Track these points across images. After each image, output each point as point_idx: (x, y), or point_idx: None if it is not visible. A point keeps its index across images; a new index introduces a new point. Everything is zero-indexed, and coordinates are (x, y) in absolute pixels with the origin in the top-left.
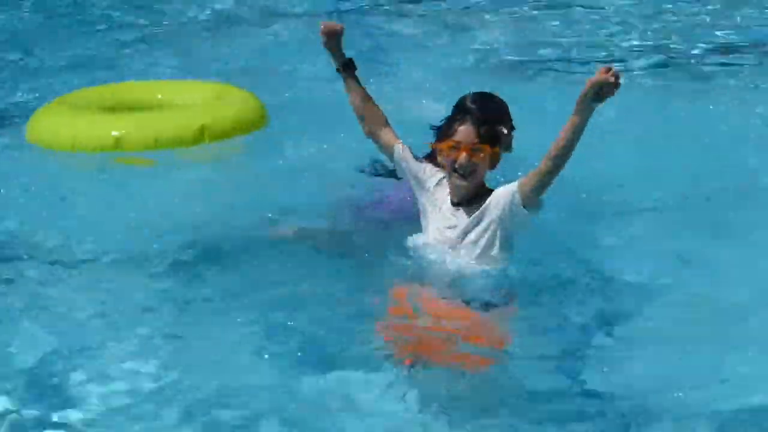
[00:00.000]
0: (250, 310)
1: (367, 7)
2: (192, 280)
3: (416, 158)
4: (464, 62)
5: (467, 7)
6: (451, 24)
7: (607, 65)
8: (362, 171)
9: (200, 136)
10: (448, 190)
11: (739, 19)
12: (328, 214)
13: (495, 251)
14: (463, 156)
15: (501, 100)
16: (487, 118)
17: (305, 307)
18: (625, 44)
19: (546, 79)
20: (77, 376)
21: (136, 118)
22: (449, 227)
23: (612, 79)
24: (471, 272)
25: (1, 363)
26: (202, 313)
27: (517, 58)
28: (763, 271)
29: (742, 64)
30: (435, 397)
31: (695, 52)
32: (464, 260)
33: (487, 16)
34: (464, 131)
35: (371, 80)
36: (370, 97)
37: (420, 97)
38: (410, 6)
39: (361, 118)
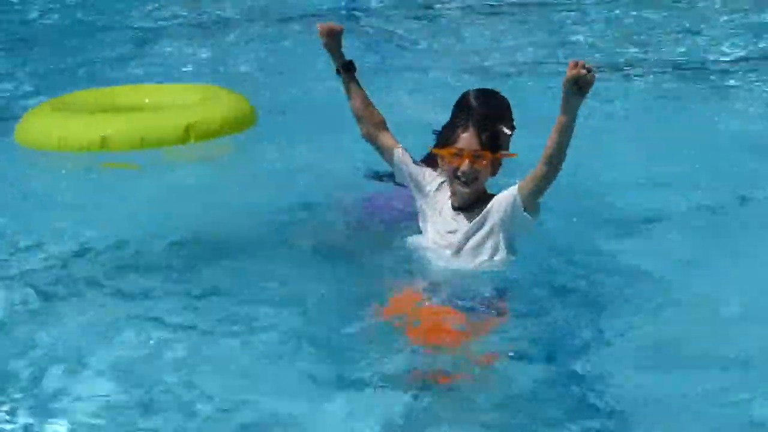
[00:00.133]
0: (245, 311)
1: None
2: (185, 280)
3: (415, 162)
4: (465, 64)
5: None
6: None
7: (574, 59)
8: (365, 175)
9: (186, 135)
10: (448, 194)
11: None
12: (323, 214)
13: (498, 255)
14: (465, 163)
15: (503, 98)
16: (489, 115)
17: (300, 309)
18: (628, 48)
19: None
20: (63, 379)
21: (122, 118)
22: (450, 231)
23: (584, 71)
24: (469, 276)
25: None
26: (197, 314)
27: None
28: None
29: (755, 70)
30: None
31: (703, 56)
32: (464, 264)
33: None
34: (466, 138)
35: (374, 80)
36: (370, 100)
37: (421, 98)
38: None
39: (360, 121)
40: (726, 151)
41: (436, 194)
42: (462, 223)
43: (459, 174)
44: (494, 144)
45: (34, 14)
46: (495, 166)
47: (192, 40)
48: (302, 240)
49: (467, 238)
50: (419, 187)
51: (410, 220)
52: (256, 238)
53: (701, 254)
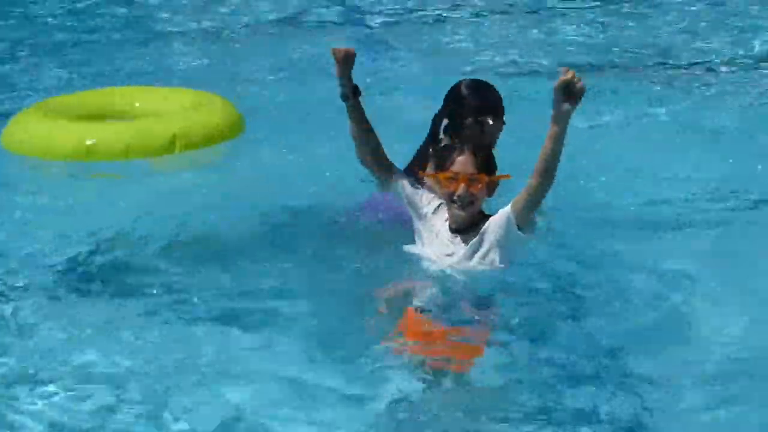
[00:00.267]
0: (243, 313)
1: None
2: (181, 283)
3: (412, 185)
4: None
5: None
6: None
7: (565, 67)
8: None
9: (171, 146)
10: (445, 216)
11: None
12: (319, 217)
13: (497, 266)
14: (461, 187)
15: (495, 90)
16: (481, 107)
17: (297, 312)
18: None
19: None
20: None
21: (107, 128)
22: (447, 254)
23: (574, 78)
24: (466, 281)
25: None
26: (196, 316)
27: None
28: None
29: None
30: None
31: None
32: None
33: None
34: (462, 162)
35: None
36: (370, 125)
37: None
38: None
39: (359, 145)
40: (729, 151)
41: (433, 217)
42: (459, 246)
43: (455, 198)
44: (489, 166)
45: (21, 16)
46: (491, 188)
47: (182, 46)
48: (300, 243)
49: (465, 260)
50: (416, 210)
51: (409, 219)
52: (252, 242)
53: (708, 256)
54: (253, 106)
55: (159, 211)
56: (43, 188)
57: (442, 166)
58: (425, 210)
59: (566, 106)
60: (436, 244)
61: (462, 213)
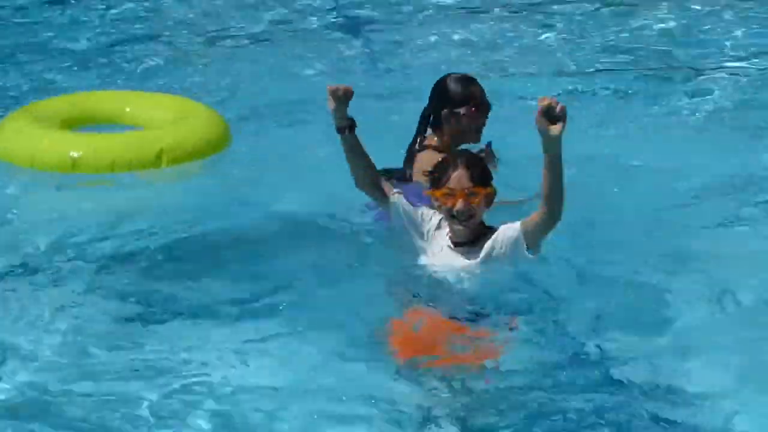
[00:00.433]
0: (248, 319)
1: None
2: (170, 298)
3: (411, 203)
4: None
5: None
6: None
7: (540, 96)
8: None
9: (158, 160)
10: (446, 231)
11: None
12: (312, 228)
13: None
14: (459, 202)
15: (478, 83)
16: (466, 98)
17: (302, 318)
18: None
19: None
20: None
21: (93, 141)
22: (449, 270)
23: (553, 103)
24: (468, 283)
25: None
26: (199, 320)
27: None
28: None
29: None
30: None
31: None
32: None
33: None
34: (457, 177)
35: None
36: (366, 153)
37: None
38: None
39: (356, 174)
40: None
41: (435, 233)
42: (462, 259)
43: (455, 213)
44: (485, 178)
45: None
46: (489, 200)
47: (171, 55)
48: (298, 252)
49: (471, 270)
50: (417, 229)
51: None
52: (256, 249)
53: (716, 258)
54: (239, 115)
55: (153, 218)
56: (28, 196)
57: (438, 182)
58: (427, 227)
59: (553, 132)
60: (439, 258)
61: (462, 228)
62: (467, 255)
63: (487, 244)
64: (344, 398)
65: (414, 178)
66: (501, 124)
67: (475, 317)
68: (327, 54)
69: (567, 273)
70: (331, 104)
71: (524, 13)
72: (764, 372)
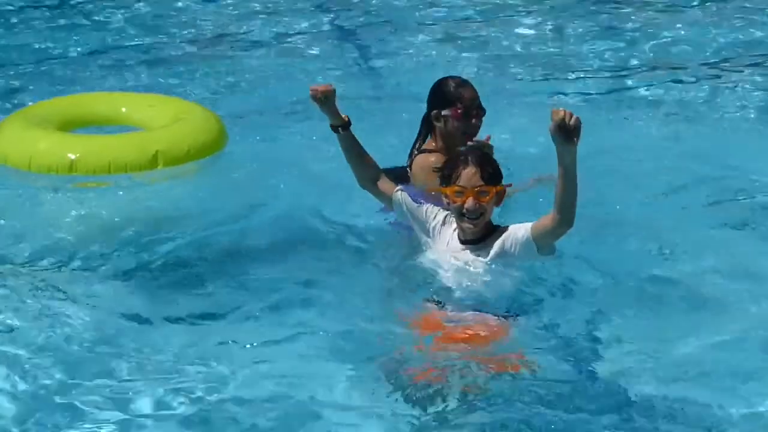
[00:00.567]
0: (257, 318)
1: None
2: (194, 291)
3: (415, 201)
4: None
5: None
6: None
7: (554, 108)
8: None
9: (154, 162)
10: (452, 227)
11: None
12: (314, 227)
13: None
14: (469, 201)
15: (472, 86)
16: (475, 97)
17: (315, 321)
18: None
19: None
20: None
21: (90, 143)
22: (460, 265)
23: (566, 116)
24: (477, 282)
25: None
26: (202, 321)
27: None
28: None
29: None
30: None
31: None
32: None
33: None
34: (467, 175)
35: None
36: (364, 151)
37: None
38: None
39: (357, 172)
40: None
41: (441, 229)
42: (470, 256)
43: (464, 211)
44: (495, 176)
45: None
46: (499, 198)
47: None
48: (307, 248)
49: (480, 269)
50: (422, 227)
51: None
52: (264, 249)
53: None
54: (236, 115)
55: (150, 220)
56: (25, 198)
57: (448, 180)
58: (432, 224)
59: (567, 145)
60: (446, 255)
61: (472, 227)
62: (475, 252)
63: (497, 243)
64: (353, 397)
65: (411, 181)
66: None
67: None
68: (326, 55)
69: (576, 272)
70: (319, 108)
71: None
72: None
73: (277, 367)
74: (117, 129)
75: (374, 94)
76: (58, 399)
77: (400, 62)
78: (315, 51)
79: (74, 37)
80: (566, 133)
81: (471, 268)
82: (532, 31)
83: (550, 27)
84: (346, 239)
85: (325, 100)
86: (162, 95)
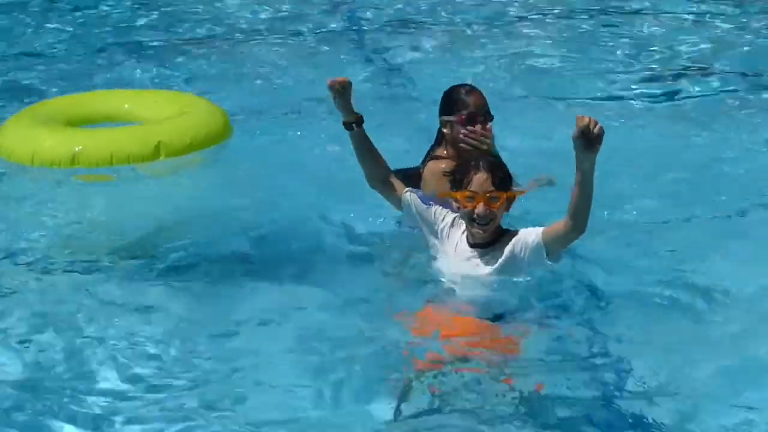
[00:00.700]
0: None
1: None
2: (177, 295)
3: (424, 202)
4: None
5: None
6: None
7: (579, 115)
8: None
9: (156, 152)
10: (461, 230)
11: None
12: (313, 224)
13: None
14: (480, 207)
15: (482, 94)
16: (484, 104)
17: (314, 318)
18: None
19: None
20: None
21: (92, 135)
22: (468, 268)
23: (590, 123)
24: (485, 285)
25: None
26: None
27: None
28: None
29: None
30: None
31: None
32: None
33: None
34: (478, 180)
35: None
36: (376, 150)
37: None
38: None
39: (367, 171)
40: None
41: (450, 231)
42: (479, 260)
43: (475, 217)
44: (506, 182)
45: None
46: (509, 203)
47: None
48: (311, 241)
49: (488, 275)
50: (431, 228)
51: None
52: (265, 248)
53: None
54: (244, 111)
55: (153, 211)
56: (27, 191)
57: (459, 184)
58: (441, 226)
59: (587, 152)
60: (455, 258)
61: (482, 232)
62: (483, 256)
63: (507, 248)
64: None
65: (422, 186)
66: None
67: (493, 318)
68: (333, 50)
69: (584, 279)
70: (335, 102)
71: None
72: None
73: (277, 367)
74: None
75: (388, 93)
76: (57, 399)
77: (411, 63)
78: (326, 48)
79: (74, 35)
80: (588, 140)
81: (478, 274)
82: (551, 35)
83: (570, 31)
84: (348, 239)
85: (343, 91)
86: (167, 91)
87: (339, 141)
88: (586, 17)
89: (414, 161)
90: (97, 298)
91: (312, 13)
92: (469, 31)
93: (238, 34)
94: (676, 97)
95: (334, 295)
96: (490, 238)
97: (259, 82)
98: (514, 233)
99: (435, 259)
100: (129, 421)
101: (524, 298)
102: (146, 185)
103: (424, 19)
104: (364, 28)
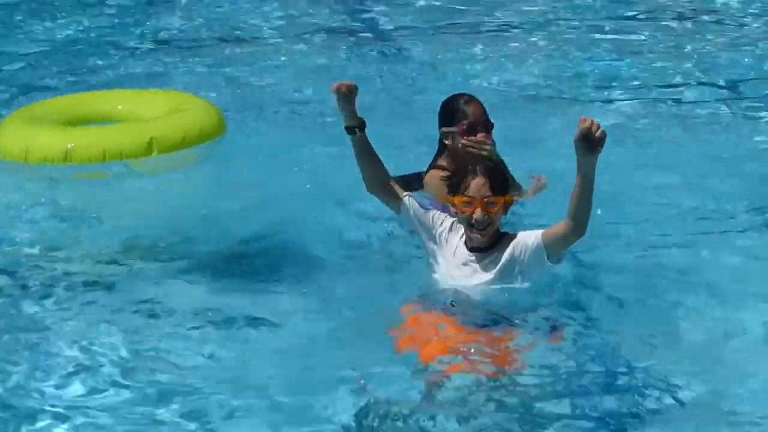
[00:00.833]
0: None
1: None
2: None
3: (422, 207)
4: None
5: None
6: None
7: (582, 117)
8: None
9: (149, 149)
10: (459, 234)
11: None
12: (309, 225)
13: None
14: (478, 212)
15: (481, 103)
16: (483, 114)
17: (306, 319)
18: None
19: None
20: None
21: (84, 132)
22: (466, 273)
23: (593, 126)
24: (484, 290)
25: None
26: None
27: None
28: None
29: None
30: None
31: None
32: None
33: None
34: (476, 185)
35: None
36: (377, 155)
37: None
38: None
39: (367, 176)
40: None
41: (449, 236)
42: (477, 264)
43: (473, 222)
44: (504, 187)
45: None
46: (507, 208)
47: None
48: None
49: (488, 280)
50: (429, 233)
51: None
52: (260, 247)
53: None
54: (242, 110)
55: (147, 208)
56: (24, 190)
57: (456, 189)
58: (439, 230)
59: (589, 155)
60: (453, 263)
61: (480, 237)
62: (482, 260)
63: (507, 251)
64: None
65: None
66: None
67: (491, 324)
68: (332, 50)
69: (585, 284)
70: (339, 105)
71: None
72: None
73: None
74: None
75: (386, 95)
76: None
77: (412, 64)
78: (324, 48)
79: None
80: (590, 143)
81: (477, 278)
82: (565, 43)
83: (570, 35)
84: (342, 237)
85: (349, 95)
86: (163, 90)
87: (334, 140)
88: (583, 23)
89: (417, 168)
90: (86, 296)
91: (311, 13)
92: (475, 35)
93: (237, 33)
94: (676, 101)
95: (327, 295)
96: (488, 243)
97: (255, 80)
98: (513, 236)
99: (434, 263)
100: (103, 427)
101: (522, 302)
102: (139, 182)
103: (424, 22)
104: (364, 27)
